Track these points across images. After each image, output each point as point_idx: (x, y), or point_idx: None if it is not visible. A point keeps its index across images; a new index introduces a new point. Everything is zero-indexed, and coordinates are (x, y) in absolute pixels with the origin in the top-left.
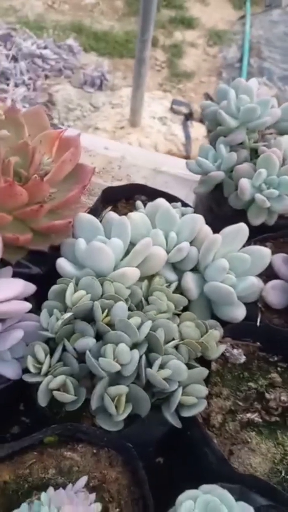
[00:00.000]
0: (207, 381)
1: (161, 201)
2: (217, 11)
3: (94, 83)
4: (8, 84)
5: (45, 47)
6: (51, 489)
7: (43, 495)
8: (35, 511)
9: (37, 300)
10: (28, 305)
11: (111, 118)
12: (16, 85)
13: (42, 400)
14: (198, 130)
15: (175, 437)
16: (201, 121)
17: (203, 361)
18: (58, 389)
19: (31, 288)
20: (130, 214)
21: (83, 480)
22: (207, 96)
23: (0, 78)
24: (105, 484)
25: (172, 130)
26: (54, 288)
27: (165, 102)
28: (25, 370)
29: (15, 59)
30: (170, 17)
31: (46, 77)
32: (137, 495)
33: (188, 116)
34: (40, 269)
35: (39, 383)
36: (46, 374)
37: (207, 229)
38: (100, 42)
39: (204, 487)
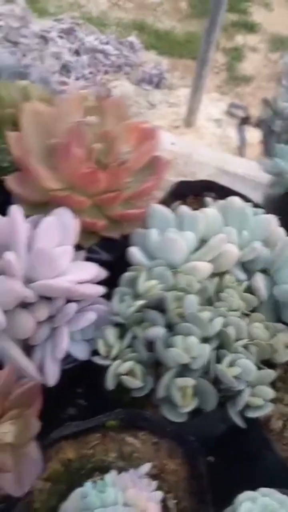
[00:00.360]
0: (271, 385)
1: (235, 199)
2: (281, 17)
3: (152, 81)
4: (69, 77)
5: (107, 43)
6: (114, 471)
7: (107, 476)
8: (99, 491)
9: (104, 286)
10: (102, 289)
11: (166, 116)
12: (77, 79)
13: (110, 383)
14: (253, 135)
15: (230, 437)
16: (257, 125)
17: (268, 365)
18: (125, 374)
19: (103, 273)
20: (203, 209)
21: (147, 466)
22: (266, 102)
23: (62, 70)
24: (164, 474)
25: (227, 133)
26: (126, 275)
27: (222, 104)
28: (93, 353)
29: (77, 53)
30: (232, 21)
31: (106, 72)
32: (194, 489)
33: (245, 120)
34: (109, 256)
35: (106, 367)
36: (115, 359)
37: (281, 230)
38: (161, 41)
39: (263, 490)
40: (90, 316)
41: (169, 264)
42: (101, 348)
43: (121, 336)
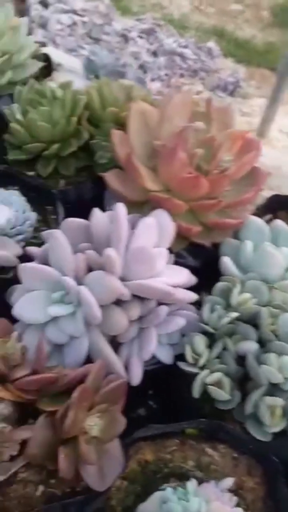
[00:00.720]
0: None
1: None
2: None
3: (226, 88)
4: (145, 77)
5: (186, 47)
6: (194, 481)
7: (189, 485)
8: (181, 498)
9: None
10: (194, 296)
11: (239, 125)
12: (152, 79)
13: (196, 391)
14: None
15: None
16: None
17: None
18: (212, 385)
19: (193, 279)
20: None
21: (229, 481)
22: None
23: (139, 70)
24: (242, 491)
25: None
26: (220, 285)
27: None
28: (177, 357)
29: (155, 54)
30: None
31: (182, 75)
32: (271, 510)
33: None
34: (195, 261)
35: (190, 374)
36: (202, 367)
37: None
38: (240, 49)
39: None
40: (180, 321)
41: (263, 278)
42: (189, 355)
43: (210, 345)
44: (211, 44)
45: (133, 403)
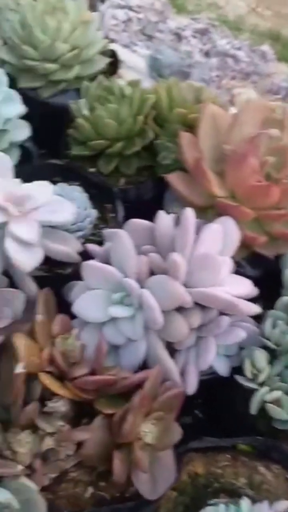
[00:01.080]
0: None
1: None
2: None
3: (279, 93)
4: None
5: (239, 49)
6: (247, 500)
7: (243, 503)
8: None
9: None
10: (257, 309)
11: None
12: (203, 80)
13: (254, 407)
14: None
15: None
16: None
17: None
18: (271, 403)
19: (255, 291)
20: None
21: (284, 504)
22: None
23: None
24: None
25: None
26: (284, 299)
27: None
28: (234, 370)
29: (207, 54)
30: None
31: (233, 77)
32: None
33: None
34: (255, 272)
35: (245, 388)
36: (262, 384)
37: None
38: None
39: None
40: (241, 333)
41: None
42: (248, 370)
43: (271, 361)
44: (266, 47)
45: (181, 410)
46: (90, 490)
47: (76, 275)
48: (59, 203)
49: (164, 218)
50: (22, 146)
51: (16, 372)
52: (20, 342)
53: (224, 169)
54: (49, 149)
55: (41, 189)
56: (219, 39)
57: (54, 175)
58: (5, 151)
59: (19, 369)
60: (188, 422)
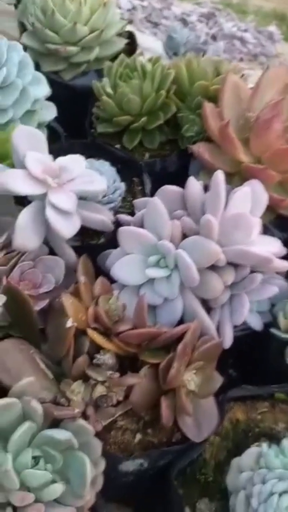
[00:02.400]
0: None
1: None
2: None
3: None
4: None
5: (246, 31)
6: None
7: (285, 442)
8: (277, 454)
9: None
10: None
11: None
12: None
13: None
14: None
15: None
16: None
17: None
18: None
19: (284, 251)
20: None
21: None
22: None
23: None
24: None
25: None
26: None
27: None
28: (267, 325)
29: (214, 38)
30: None
31: (241, 59)
32: None
33: None
34: (282, 234)
35: (279, 339)
36: None
37: None
38: None
39: None
40: (273, 289)
41: None
42: (282, 322)
43: None
44: (272, 28)
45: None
46: (139, 436)
47: (108, 245)
48: (92, 175)
49: (194, 184)
50: (49, 126)
51: (67, 326)
52: (68, 301)
53: (248, 136)
54: (73, 129)
55: (74, 162)
56: (225, 22)
57: (81, 153)
58: None
59: (69, 323)
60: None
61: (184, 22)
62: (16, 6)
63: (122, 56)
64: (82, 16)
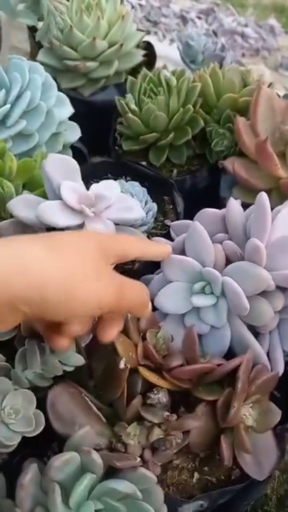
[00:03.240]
0: None
1: None
2: None
3: None
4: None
5: (246, 25)
6: None
7: None
8: None
9: None
10: None
11: None
12: None
13: None
14: None
15: None
16: None
17: None
18: None
19: None
20: None
21: None
22: None
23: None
24: None
25: None
26: None
27: None
28: None
29: (215, 34)
30: None
31: (243, 55)
32: None
33: None
34: None
35: None
36: None
37: None
38: None
39: None
40: None
41: None
42: None
43: None
44: (272, 21)
45: None
46: (196, 475)
47: (143, 270)
48: (127, 201)
49: (235, 205)
50: (72, 147)
51: (121, 367)
52: (118, 340)
53: (284, 150)
54: (95, 147)
55: (109, 188)
56: (225, 17)
57: (108, 173)
58: (60, 153)
59: (122, 364)
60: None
61: (184, 19)
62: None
63: (144, 71)
64: (100, 30)
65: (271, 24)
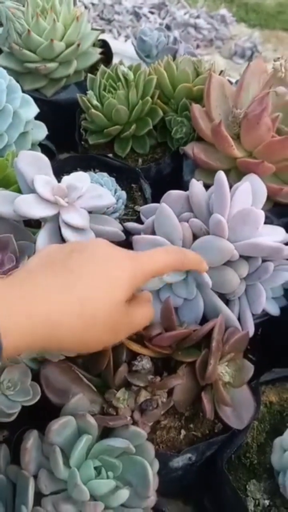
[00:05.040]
0: None
1: None
2: None
3: (244, 55)
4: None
5: (198, 17)
6: None
7: None
8: None
9: None
10: None
11: None
12: None
13: None
14: None
15: None
16: None
17: None
18: None
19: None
20: None
21: None
22: None
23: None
24: None
25: None
26: None
27: None
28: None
29: (168, 28)
30: None
31: (197, 46)
32: None
33: None
34: (279, 221)
35: None
36: None
37: None
38: (251, 13)
39: None
40: (286, 275)
41: None
42: None
43: None
44: (224, 11)
45: None
46: (183, 432)
47: None
48: (97, 189)
49: (197, 185)
50: (40, 145)
51: None
52: None
53: (238, 132)
54: (62, 143)
55: (79, 179)
56: (177, 11)
57: (77, 166)
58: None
59: None
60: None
61: (137, 15)
62: None
63: (102, 67)
64: (57, 32)
65: (222, 14)
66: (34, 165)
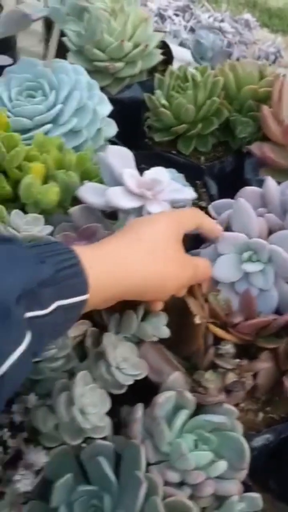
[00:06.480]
0: None
1: None
2: None
3: (268, 59)
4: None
5: (222, 20)
6: None
7: None
8: None
9: None
10: None
11: None
12: None
13: None
14: None
15: None
16: None
17: None
18: None
19: None
20: None
21: None
22: None
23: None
24: None
25: None
26: None
27: None
28: None
29: (192, 30)
30: None
31: None
32: None
33: None
34: None
35: None
36: None
37: None
38: (274, 19)
39: None
40: None
41: None
42: None
43: None
44: (247, 15)
45: None
46: (261, 415)
47: (189, 246)
48: (175, 184)
49: (272, 183)
50: (110, 141)
51: (196, 322)
52: (190, 301)
53: None
54: (125, 140)
55: (159, 174)
56: (201, 14)
57: (145, 163)
58: (102, 147)
59: (198, 320)
60: None
61: (162, 17)
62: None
63: (171, 68)
64: (126, 33)
65: (246, 18)
66: (121, 160)
